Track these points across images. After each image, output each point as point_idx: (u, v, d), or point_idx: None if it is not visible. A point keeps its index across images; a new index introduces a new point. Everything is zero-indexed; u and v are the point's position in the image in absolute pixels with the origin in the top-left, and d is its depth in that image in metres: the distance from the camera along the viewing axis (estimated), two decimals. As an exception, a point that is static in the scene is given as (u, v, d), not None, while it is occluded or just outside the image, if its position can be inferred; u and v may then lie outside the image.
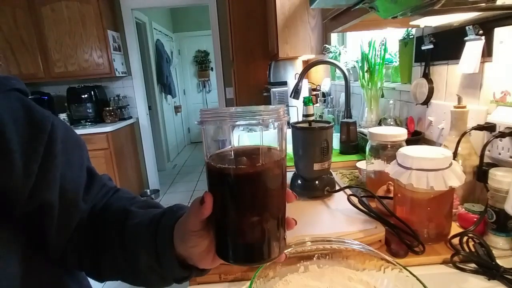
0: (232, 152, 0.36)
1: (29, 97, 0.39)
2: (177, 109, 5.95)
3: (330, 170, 0.89)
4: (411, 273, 0.42)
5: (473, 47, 0.82)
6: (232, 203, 0.35)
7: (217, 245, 0.37)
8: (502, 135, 0.71)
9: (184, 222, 0.38)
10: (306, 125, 0.87)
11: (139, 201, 0.49)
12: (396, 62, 1.42)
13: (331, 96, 2.11)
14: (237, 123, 0.32)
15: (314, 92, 2.31)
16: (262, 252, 0.36)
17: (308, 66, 1.56)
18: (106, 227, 0.44)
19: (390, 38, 1.42)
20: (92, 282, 0.50)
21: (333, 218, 0.75)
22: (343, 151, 1.37)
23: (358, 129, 1.39)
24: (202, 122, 0.34)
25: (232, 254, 0.36)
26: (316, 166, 0.84)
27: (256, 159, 0.35)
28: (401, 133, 0.86)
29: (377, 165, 0.90)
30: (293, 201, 0.37)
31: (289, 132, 0.90)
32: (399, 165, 0.67)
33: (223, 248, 0.37)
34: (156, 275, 0.42)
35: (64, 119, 3.33)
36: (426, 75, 1.05)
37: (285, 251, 0.48)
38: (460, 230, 0.67)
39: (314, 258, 0.50)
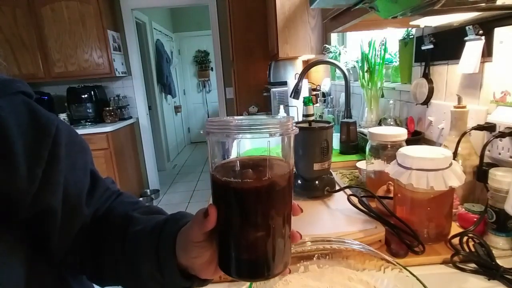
0: (238, 163, 0.34)
1: (33, 98, 0.38)
2: (177, 109, 5.95)
3: (330, 170, 0.89)
4: (411, 273, 0.42)
5: (473, 47, 0.82)
6: (236, 217, 0.34)
7: (219, 258, 0.36)
8: (502, 135, 0.71)
9: (186, 232, 0.37)
10: (306, 125, 0.87)
11: (142, 206, 0.49)
12: (396, 62, 1.42)
13: (331, 96, 2.11)
14: (244, 136, 0.31)
15: (314, 92, 2.31)
16: (266, 267, 0.34)
17: (308, 66, 1.56)
18: (108, 233, 0.44)
19: (390, 38, 1.42)
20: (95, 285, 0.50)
21: (333, 218, 0.75)
22: (343, 151, 1.37)
23: (358, 129, 1.39)
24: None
25: (235, 269, 0.35)
26: (316, 166, 0.84)
27: (262, 172, 0.33)
28: (401, 133, 0.86)
29: (377, 165, 0.90)
30: (299, 214, 0.36)
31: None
32: (399, 165, 0.67)
33: (226, 262, 0.36)
34: (157, 284, 0.41)
35: (64, 119, 3.33)
36: (426, 75, 1.05)
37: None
38: (460, 230, 0.67)
39: (314, 258, 0.50)
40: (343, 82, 1.51)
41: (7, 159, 0.33)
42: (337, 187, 0.88)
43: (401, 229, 0.65)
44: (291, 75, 2.45)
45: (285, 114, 2.06)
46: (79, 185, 0.42)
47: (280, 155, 0.35)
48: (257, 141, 0.34)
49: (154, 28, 4.83)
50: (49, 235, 0.39)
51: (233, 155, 0.35)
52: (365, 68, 1.40)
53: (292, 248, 0.49)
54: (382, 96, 1.42)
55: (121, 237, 0.43)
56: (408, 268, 0.43)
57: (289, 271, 0.38)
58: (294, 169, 0.90)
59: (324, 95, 2.27)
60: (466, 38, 0.84)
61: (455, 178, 0.61)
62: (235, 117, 0.33)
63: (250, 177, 0.33)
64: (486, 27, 0.79)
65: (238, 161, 0.35)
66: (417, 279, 0.41)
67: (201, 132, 0.34)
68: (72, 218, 0.41)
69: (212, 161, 0.35)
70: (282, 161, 0.35)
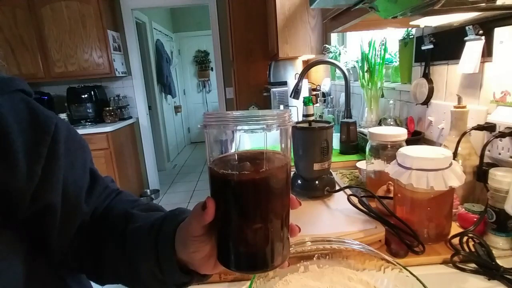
0: (236, 156, 0.35)
1: (33, 97, 0.39)
2: (177, 109, 5.95)
3: (330, 170, 0.89)
4: (411, 273, 0.42)
5: (473, 47, 0.82)
6: (235, 209, 0.34)
7: (219, 252, 0.36)
8: (502, 135, 0.71)
9: (185, 227, 0.37)
10: (306, 125, 0.87)
11: (141, 204, 0.49)
12: (396, 62, 1.42)
13: (331, 96, 2.11)
14: (241, 128, 0.32)
15: (314, 92, 2.31)
16: (265, 260, 0.35)
17: (308, 66, 1.56)
18: (107, 231, 0.44)
19: (390, 38, 1.42)
20: (94, 284, 0.50)
21: (333, 218, 0.75)
22: (343, 151, 1.37)
23: (358, 129, 1.39)
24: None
25: (234, 261, 0.35)
26: (316, 166, 0.84)
27: (260, 165, 0.33)
28: (401, 133, 0.86)
29: (377, 165, 0.90)
30: (297, 207, 0.37)
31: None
32: (399, 165, 0.67)
33: (225, 255, 0.36)
34: (156, 280, 0.41)
35: (64, 119, 3.32)
36: (426, 75, 1.05)
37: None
38: (460, 230, 0.67)
39: (314, 258, 0.50)
40: (343, 82, 1.51)
41: (8, 156, 0.33)
42: (337, 187, 0.88)
43: (401, 229, 0.65)
44: (291, 75, 2.45)
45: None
46: (78, 183, 0.42)
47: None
48: (256, 141, 0.34)
49: (154, 28, 4.83)
50: (49, 233, 0.39)
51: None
52: (365, 68, 1.40)
53: (292, 248, 0.49)
54: (382, 96, 1.42)
55: (120, 235, 0.43)
56: (408, 268, 0.43)
57: (287, 265, 0.38)
58: (294, 169, 0.90)
59: (324, 95, 2.27)
60: (466, 38, 0.84)
61: (455, 178, 0.61)
62: (232, 111, 0.33)
63: (247, 169, 0.33)
64: (486, 27, 0.79)
65: (236, 155, 0.35)
66: (417, 279, 0.41)
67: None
68: (71, 216, 0.41)
69: (210, 155, 0.35)
70: (279, 154, 0.35)
